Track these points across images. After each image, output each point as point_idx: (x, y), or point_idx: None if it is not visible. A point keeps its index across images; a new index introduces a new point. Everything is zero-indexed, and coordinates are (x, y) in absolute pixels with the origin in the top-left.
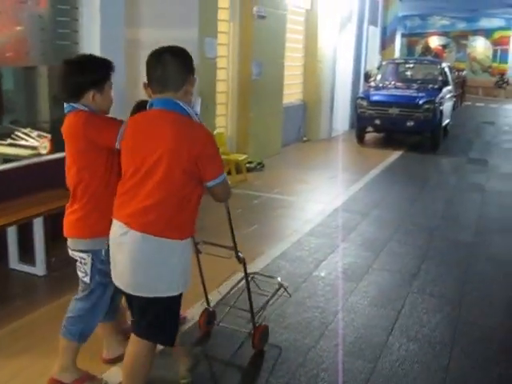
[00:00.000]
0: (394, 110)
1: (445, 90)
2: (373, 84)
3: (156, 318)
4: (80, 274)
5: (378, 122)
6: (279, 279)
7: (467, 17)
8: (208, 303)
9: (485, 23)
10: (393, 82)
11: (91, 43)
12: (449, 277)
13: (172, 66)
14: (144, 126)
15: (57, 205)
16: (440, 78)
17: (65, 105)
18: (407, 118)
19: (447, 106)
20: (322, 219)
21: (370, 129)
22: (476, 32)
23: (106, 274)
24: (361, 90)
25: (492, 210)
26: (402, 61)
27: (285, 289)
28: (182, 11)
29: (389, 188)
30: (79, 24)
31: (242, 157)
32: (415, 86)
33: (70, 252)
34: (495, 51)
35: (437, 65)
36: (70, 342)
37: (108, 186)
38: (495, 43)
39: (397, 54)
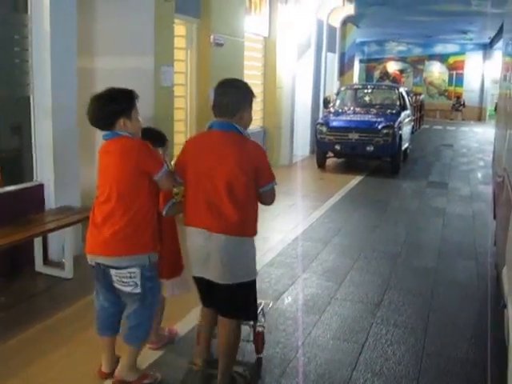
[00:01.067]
0: (353, 135)
1: (403, 114)
2: (332, 110)
3: (244, 299)
4: (127, 289)
5: (337, 147)
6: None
7: (423, 43)
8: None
9: (440, 49)
10: (352, 108)
11: (42, 81)
12: (412, 305)
13: (231, 96)
14: (208, 144)
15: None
16: (398, 103)
17: (104, 132)
18: (367, 143)
19: (406, 130)
20: (283, 248)
21: (330, 154)
22: (432, 57)
23: (155, 278)
24: (320, 115)
25: (453, 234)
26: (360, 86)
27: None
28: (138, 39)
29: (350, 214)
30: (29, 65)
31: None
32: (374, 110)
33: (113, 272)
34: (451, 75)
35: (394, 89)
36: (136, 350)
37: (149, 205)
38: (450, 68)
39: (355, 79)
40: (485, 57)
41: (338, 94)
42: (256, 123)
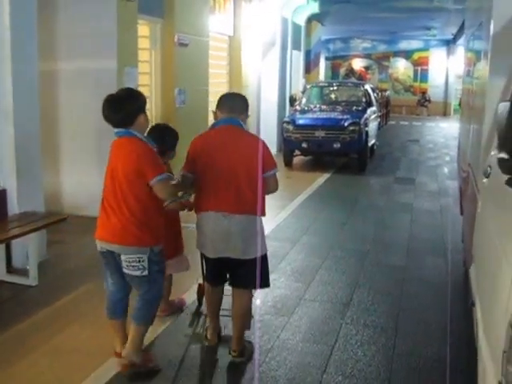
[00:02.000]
0: (320, 133)
1: (369, 110)
2: (298, 108)
3: (262, 270)
4: (136, 273)
5: (304, 145)
6: None
7: (387, 39)
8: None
9: (404, 45)
10: (318, 105)
11: (3, 85)
12: (382, 304)
13: (238, 101)
14: (222, 138)
15: None
16: (364, 100)
17: (116, 130)
18: (333, 140)
19: (372, 127)
20: None
21: (297, 152)
22: (397, 53)
23: (161, 262)
24: (287, 113)
25: (422, 230)
26: (326, 84)
27: None
28: (100, 41)
29: (318, 212)
30: None
31: None
32: (340, 108)
33: (124, 257)
34: (416, 71)
35: (360, 86)
36: (144, 327)
37: (155, 201)
38: (415, 63)
39: (322, 76)
40: (448, 52)
41: (303, 91)
42: None
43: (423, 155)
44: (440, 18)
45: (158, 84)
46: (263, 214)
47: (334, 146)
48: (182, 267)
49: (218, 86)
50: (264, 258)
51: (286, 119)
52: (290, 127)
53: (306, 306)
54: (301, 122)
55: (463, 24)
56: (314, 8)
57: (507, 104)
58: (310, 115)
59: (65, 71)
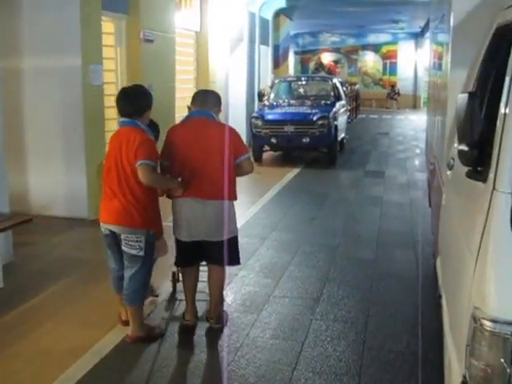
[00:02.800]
0: (288, 128)
1: (338, 104)
2: (266, 103)
3: (232, 249)
4: (133, 251)
5: (273, 140)
6: None
7: (356, 33)
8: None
9: (373, 38)
10: (286, 100)
11: None
12: (352, 298)
13: (211, 96)
14: (195, 127)
15: None
16: (332, 94)
17: (122, 119)
18: (302, 135)
19: (341, 120)
20: None
21: (266, 147)
22: (365, 47)
23: (153, 244)
24: (255, 109)
25: (391, 223)
26: (294, 78)
27: None
28: (63, 38)
29: (288, 207)
30: None
31: None
32: (308, 102)
33: (124, 236)
34: (385, 64)
35: (328, 80)
36: (138, 309)
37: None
38: (384, 57)
39: (291, 71)
40: (417, 45)
41: (272, 86)
42: None
43: (393, 148)
44: (407, 12)
45: (123, 81)
46: (235, 198)
47: (303, 140)
48: (162, 251)
49: (185, 83)
50: (236, 238)
51: (255, 114)
52: (259, 122)
53: (275, 302)
54: (269, 117)
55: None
56: (281, 2)
57: (465, 96)
58: (278, 110)
59: (29, 69)
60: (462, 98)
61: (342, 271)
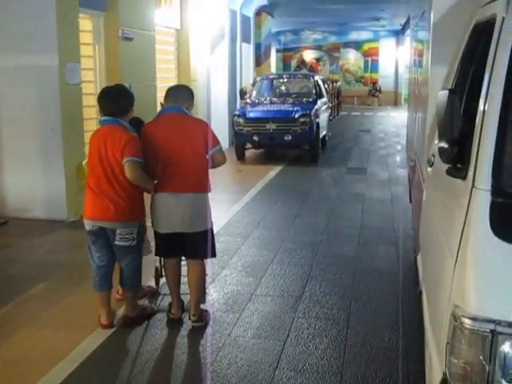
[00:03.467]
0: (270, 126)
1: (319, 102)
2: (248, 101)
3: (206, 242)
4: (127, 243)
5: (256, 138)
6: None
7: (337, 30)
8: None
9: (354, 36)
10: (268, 98)
11: None
12: (334, 296)
13: (182, 91)
14: (169, 122)
15: None
16: (314, 91)
17: (104, 117)
18: (284, 133)
19: (323, 118)
20: None
21: (249, 145)
22: (347, 44)
23: (142, 233)
24: (237, 107)
25: (373, 220)
26: (276, 76)
27: None
28: (40, 36)
29: (270, 206)
30: None
31: None
32: (290, 100)
33: (118, 231)
34: (366, 62)
35: (310, 78)
36: (135, 292)
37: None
38: (365, 54)
39: (273, 69)
40: (397, 43)
41: (253, 84)
42: None
43: (374, 145)
44: (389, 9)
45: (102, 80)
46: (208, 190)
47: (285, 138)
48: (145, 251)
49: (166, 81)
50: (211, 230)
51: (237, 112)
52: (241, 120)
53: (257, 301)
54: (251, 115)
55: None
56: (263, 0)
57: (446, 92)
58: (260, 108)
59: (4, 68)
60: (443, 94)
61: (324, 268)
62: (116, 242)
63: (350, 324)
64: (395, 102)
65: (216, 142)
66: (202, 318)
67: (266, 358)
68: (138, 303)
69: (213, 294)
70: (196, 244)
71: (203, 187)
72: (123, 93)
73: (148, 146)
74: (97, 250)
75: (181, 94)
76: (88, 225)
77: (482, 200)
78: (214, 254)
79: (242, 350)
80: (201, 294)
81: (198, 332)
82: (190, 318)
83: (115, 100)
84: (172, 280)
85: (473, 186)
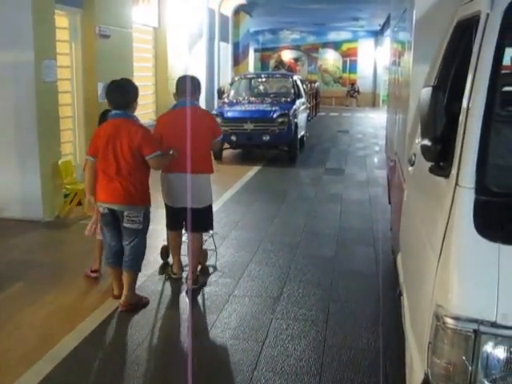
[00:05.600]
0: (248, 126)
1: (298, 102)
2: (226, 100)
3: (207, 217)
4: (134, 226)
5: (233, 138)
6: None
7: (316, 30)
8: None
9: (333, 36)
10: (246, 97)
11: None
12: (313, 297)
13: (191, 85)
14: (180, 115)
15: None
16: (292, 91)
17: (115, 111)
18: (262, 133)
19: (302, 118)
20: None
21: (226, 145)
22: (325, 45)
23: (149, 218)
24: (215, 106)
25: (351, 220)
26: (254, 75)
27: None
28: (15, 33)
29: (248, 206)
30: None
31: None
32: (268, 100)
33: (126, 213)
34: (345, 62)
35: (288, 78)
36: (134, 273)
37: (146, 168)
38: (344, 55)
39: (251, 68)
40: (376, 43)
41: (231, 83)
42: (149, 116)
43: (353, 145)
44: (367, 9)
45: (79, 78)
46: (211, 171)
47: (263, 138)
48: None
49: (143, 80)
50: (211, 206)
51: (215, 112)
52: (219, 120)
53: (235, 302)
54: (229, 114)
55: (390, 15)
56: None
57: (429, 89)
58: (238, 107)
59: None
60: (426, 91)
61: (303, 269)
62: (124, 224)
63: (328, 325)
64: (373, 103)
65: (219, 130)
66: (198, 281)
67: (245, 359)
68: (135, 293)
69: (190, 295)
70: (199, 218)
71: (207, 169)
72: (131, 87)
73: (164, 132)
74: (108, 230)
75: (188, 86)
76: (100, 207)
77: (466, 198)
78: (211, 227)
79: (220, 351)
80: (197, 262)
81: (172, 335)
82: (186, 282)
83: (125, 94)
84: (175, 245)
85: (456, 183)
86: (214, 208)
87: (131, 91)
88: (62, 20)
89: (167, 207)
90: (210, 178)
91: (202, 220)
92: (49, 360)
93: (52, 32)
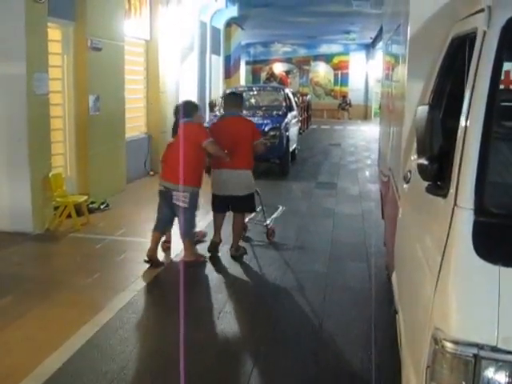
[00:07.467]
0: None
1: (289, 115)
2: (218, 113)
3: (250, 201)
4: (181, 204)
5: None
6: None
7: (307, 43)
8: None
9: (324, 49)
10: None
11: None
12: (304, 315)
13: (235, 99)
14: (228, 123)
15: None
16: (284, 104)
17: (184, 119)
18: None
19: (293, 131)
20: (167, 263)
21: None
22: (317, 57)
23: (196, 200)
24: (207, 119)
25: (344, 235)
26: (246, 88)
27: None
28: (7, 44)
29: None
30: None
31: (81, 198)
32: (260, 113)
33: (175, 193)
34: (336, 75)
35: (280, 91)
36: (190, 238)
37: (200, 158)
38: (335, 67)
39: (242, 81)
40: (368, 56)
41: (223, 97)
42: (140, 129)
43: (345, 159)
44: (359, 23)
45: (70, 90)
46: (251, 167)
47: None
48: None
49: (134, 92)
50: (253, 194)
51: (206, 125)
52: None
53: (226, 319)
54: None
55: (381, 28)
56: (233, 12)
57: (425, 107)
58: None
59: None
60: (422, 110)
61: (295, 285)
62: (173, 201)
63: (319, 344)
64: (365, 116)
65: (260, 135)
66: (238, 250)
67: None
68: (194, 252)
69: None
70: (241, 203)
71: (249, 166)
72: (192, 104)
73: (215, 137)
74: (161, 205)
75: (233, 101)
76: (160, 184)
77: (465, 219)
78: (254, 209)
79: (207, 370)
80: (239, 238)
81: (160, 351)
82: (230, 251)
83: (189, 110)
84: (218, 224)
85: (455, 204)
86: (203, 224)
87: (194, 106)
88: (54, 33)
89: (214, 196)
90: (250, 172)
91: (244, 204)
92: (36, 376)
93: (44, 44)
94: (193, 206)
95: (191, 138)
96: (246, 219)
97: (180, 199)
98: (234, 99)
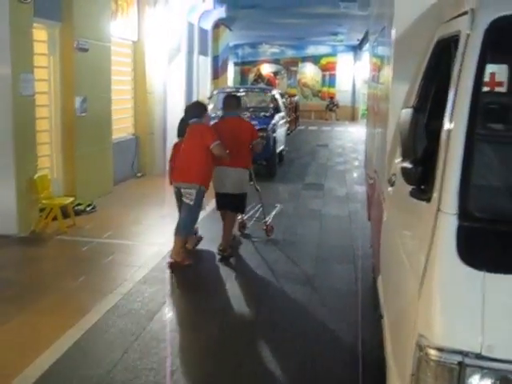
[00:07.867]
0: None
1: (277, 116)
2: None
3: (241, 202)
4: (187, 201)
5: None
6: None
7: (295, 44)
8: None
9: (312, 50)
10: None
11: None
12: (290, 323)
13: (234, 101)
14: (228, 123)
15: None
16: (271, 105)
17: (193, 119)
18: None
19: (280, 132)
20: (157, 263)
21: None
22: (305, 59)
23: (201, 198)
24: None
25: (331, 237)
26: (233, 89)
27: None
28: None
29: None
30: None
31: (68, 200)
32: (247, 114)
33: (183, 190)
34: (324, 76)
35: (267, 92)
36: (180, 238)
37: (208, 159)
38: (323, 69)
39: (230, 82)
40: (355, 58)
41: (210, 98)
42: (127, 131)
43: (332, 160)
44: (346, 24)
45: (57, 91)
46: (249, 166)
47: None
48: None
49: (121, 93)
50: (246, 194)
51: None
52: None
53: (212, 322)
54: None
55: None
56: (221, 13)
57: (409, 110)
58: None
59: None
60: (406, 112)
61: (281, 288)
62: (182, 199)
63: (307, 345)
64: (352, 117)
65: (257, 135)
66: (226, 250)
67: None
68: (182, 252)
69: (168, 315)
70: (235, 202)
71: (247, 165)
72: (201, 105)
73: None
74: (179, 206)
75: (232, 102)
76: (174, 185)
77: (448, 224)
78: (243, 211)
79: (197, 370)
80: (230, 234)
81: (149, 354)
82: (219, 251)
83: (197, 111)
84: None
85: (438, 209)
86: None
87: (203, 107)
88: (40, 33)
89: (216, 194)
90: (246, 172)
91: (234, 203)
92: (21, 381)
93: (30, 45)
94: (197, 205)
95: (200, 139)
96: (245, 216)
97: (186, 196)
98: (233, 100)
